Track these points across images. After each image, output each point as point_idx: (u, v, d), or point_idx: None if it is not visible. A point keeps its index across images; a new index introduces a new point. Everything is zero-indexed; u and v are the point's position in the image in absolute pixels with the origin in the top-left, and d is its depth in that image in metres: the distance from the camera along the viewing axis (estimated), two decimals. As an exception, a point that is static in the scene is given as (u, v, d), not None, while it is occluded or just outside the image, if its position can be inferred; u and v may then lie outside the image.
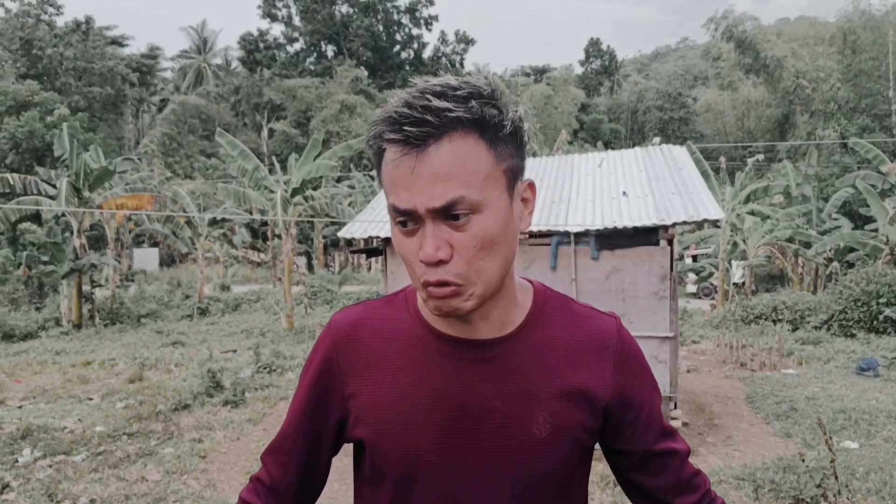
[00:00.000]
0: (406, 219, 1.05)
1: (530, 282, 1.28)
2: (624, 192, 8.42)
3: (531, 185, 1.15)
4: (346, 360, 1.22)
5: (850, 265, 21.00)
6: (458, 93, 1.03)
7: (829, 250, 21.90)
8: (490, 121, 1.04)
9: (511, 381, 1.17)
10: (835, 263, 22.11)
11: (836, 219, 25.12)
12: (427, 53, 63.11)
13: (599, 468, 5.71)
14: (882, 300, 14.53)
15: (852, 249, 21.90)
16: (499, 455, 1.17)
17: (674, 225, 7.36)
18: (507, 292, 1.18)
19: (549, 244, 7.74)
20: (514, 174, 1.09)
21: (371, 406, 1.19)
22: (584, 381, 1.20)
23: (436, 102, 1.01)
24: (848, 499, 5.38)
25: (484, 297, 1.08)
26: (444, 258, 1.03)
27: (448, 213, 1.03)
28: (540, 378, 1.18)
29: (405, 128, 1.01)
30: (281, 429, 1.31)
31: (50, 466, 6.84)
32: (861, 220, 26.42)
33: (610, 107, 61.33)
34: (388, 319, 1.24)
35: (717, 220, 7.65)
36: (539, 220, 7.96)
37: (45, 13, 41.84)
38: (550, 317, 1.23)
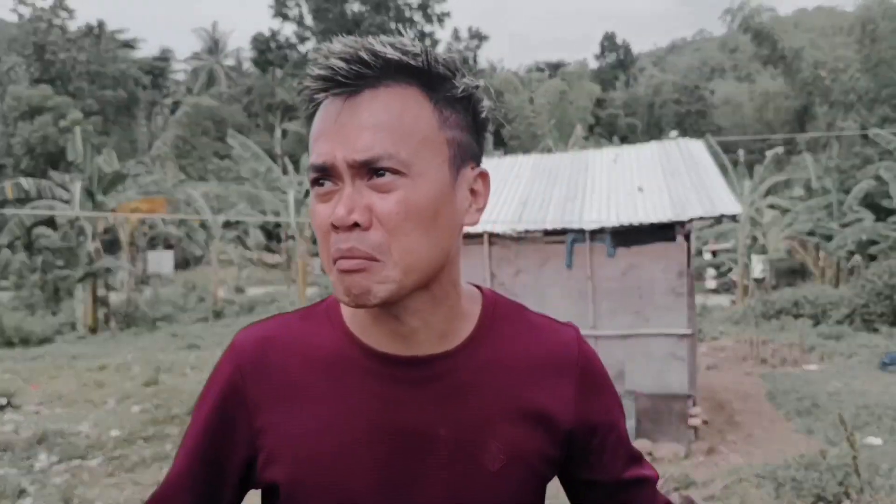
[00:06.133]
0: (322, 176, 0.90)
1: (479, 288, 1.09)
2: (640, 188, 8.33)
3: (483, 176, 0.99)
4: (255, 388, 1.00)
5: (873, 258, 20.79)
6: (405, 42, 0.91)
7: (851, 243, 21.66)
8: (437, 75, 0.92)
9: (458, 404, 1.00)
10: (857, 257, 21.85)
11: (857, 211, 24.81)
12: (440, 50, 62.95)
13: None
14: (905, 293, 14.35)
15: (874, 242, 21.69)
16: (445, 492, 0.99)
17: (690, 220, 7.28)
18: (447, 297, 1.00)
19: (564, 242, 7.69)
20: (460, 150, 0.94)
21: (287, 442, 0.98)
22: (543, 402, 1.04)
23: (377, 46, 0.89)
24: (871, 496, 5.27)
25: (403, 285, 0.90)
26: (359, 221, 0.87)
27: (372, 174, 0.88)
28: (492, 400, 1.01)
29: (333, 62, 0.88)
30: (167, 476, 1.07)
31: (66, 471, 6.91)
32: (883, 212, 26.09)
33: (626, 101, 60.98)
34: (306, 336, 1.03)
35: (736, 215, 7.55)
36: (554, 218, 7.92)
37: (58, 17, 42.18)
38: (502, 328, 1.06)
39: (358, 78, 0.88)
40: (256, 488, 1.05)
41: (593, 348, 1.13)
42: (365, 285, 0.88)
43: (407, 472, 0.99)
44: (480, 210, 0.99)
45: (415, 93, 0.90)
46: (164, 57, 58.96)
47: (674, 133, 22.27)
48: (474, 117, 0.97)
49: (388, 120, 0.88)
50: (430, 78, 0.92)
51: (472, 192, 0.97)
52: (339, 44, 0.89)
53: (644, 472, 1.17)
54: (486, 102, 0.97)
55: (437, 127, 0.91)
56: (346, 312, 1.03)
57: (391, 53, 0.89)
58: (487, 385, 1.01)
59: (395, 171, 0.87)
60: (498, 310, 1.07)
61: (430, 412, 0.99)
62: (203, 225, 22.15)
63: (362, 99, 0.88)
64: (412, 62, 0.90)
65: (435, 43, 62.97)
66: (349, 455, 0.98)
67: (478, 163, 0.98)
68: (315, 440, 0.98)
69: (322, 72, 0.89)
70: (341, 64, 0.88)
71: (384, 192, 0.88)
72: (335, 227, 0.88)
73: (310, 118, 0.95)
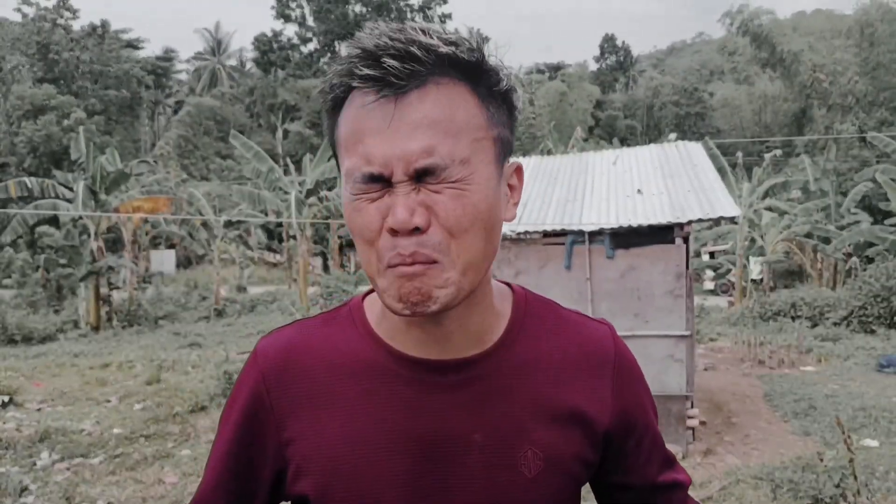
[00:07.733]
0: (373, 186, 0.83)
1: (508, 285, 1.05)
2: (639, 190, 8.37)
3: (518, 170, 0.95)
4: (281, 397, 0.96)
5: (870, 260, 20.80)
6: (445, 34, 0.84)
7: (849, 245, 21.70)
8: (485, 71, 0.86)
9: (492, 408, 0.95)
10: (854, 259, 21.87)
11: (854, 213, 24.87)
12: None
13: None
14: (902, 296, 14.39)
15: (872, 244, 21.70)
16: (480, 500, 0.95)
17: (689, 223, 7.31)
18: (485, 297, 0.95)
19: (563, 243, 7.71)
20: (504, 147, 0.90)
21: (316, 453, 0.95)
22: (580, 403, 0.99)
23: (422, 37, 0.81)
24: (868, 498, 5.31)
25: (461, 286, 0.85)
26: (420, 224, 0.81)
27: (429, 177, 0.82)
28: (526, 402, 0.97)
29: (384, 60, 0.80)
30: (198, 490, 1.04)
31: (68, 469, 6.89)
32: (881, 215, 26.14)
33: (625, 103, 60.93)
34: (330, 341, 0.99)
35: (734, 217, 7.59)
36: (553, 219, 7.94)
37: (62, 17, 42.24)
38: (535, 326, 1.01)
39: (410, 77, 0.81)
40: (287, 501, 1.02)
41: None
42: (425, 290, 0.83)
43: (440, 480, 0.94)
44: (517, 204, 0.95)
45: (464, 89, 0.84)
46: (168, 57, 58.95)
47: (672, 136, 22.30)
48: (509, 109, 0.91)
49: (441, 121, 0.82)
50: (479, 71, 0.86)
51: (510, 186, 0.94)
52: (383, 36, 0.82)
53: (678, 477, 1.14)
54: (520, 93, 0.92)
55: (485, 126, 0.86)
56: (373, 315, 0.99)
57: (444, 49, 0.82)
58: (521, 387, 0.97)
59: (454, 176, 0.82)
60: (530, 307, 1.03)
61: (463, 418, 0.95)
62: (205, 224, 22.20)
63: (411, 97, 0.82)
64: (465, 56, 0.84)
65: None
66: (380, 465, 0.94)
67: (510, 156, 0.94)
68: (344, 451, 0.94)
69: (372, 72, 0.81)
70: (394, 63, 0.80)
71: (442, 191, 0.83)
72: (394, 231, 0.82)
73: (330, 111, 0.89)
